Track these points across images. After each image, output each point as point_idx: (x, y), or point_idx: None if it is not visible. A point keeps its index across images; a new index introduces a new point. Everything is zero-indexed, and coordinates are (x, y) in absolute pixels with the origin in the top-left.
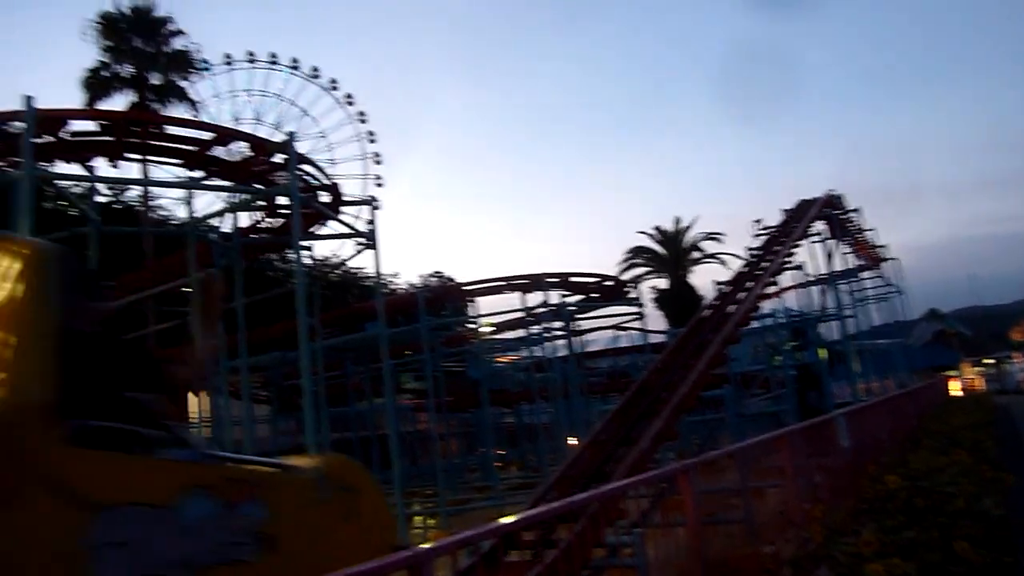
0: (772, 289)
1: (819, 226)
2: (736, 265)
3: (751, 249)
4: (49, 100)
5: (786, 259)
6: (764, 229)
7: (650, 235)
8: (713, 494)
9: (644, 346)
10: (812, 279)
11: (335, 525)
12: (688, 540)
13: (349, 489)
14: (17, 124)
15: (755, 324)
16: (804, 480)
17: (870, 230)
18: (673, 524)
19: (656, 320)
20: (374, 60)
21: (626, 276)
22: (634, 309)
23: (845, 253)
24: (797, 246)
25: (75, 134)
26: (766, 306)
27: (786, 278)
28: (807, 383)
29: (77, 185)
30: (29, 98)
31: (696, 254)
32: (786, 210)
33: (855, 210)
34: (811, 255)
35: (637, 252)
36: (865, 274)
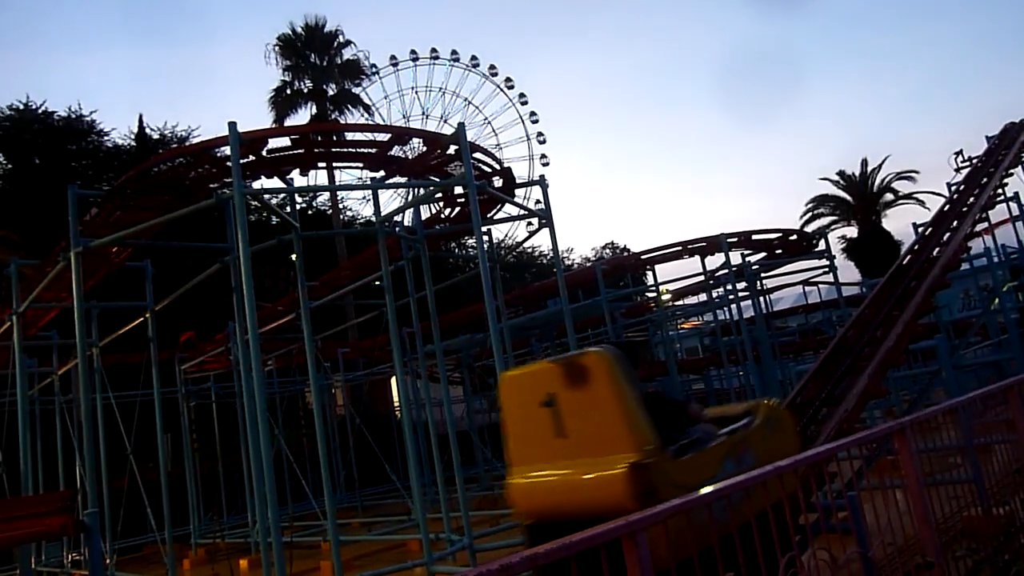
0: (982, 226)
1: None
2: (937, 204)
3: (953, 185)
4: (246, 123)
5: (997, 191)
6: (966, 161)
7: (833, 181)
8: (932, 453)
9: (836, 300)
10: None
11: (775, 442)
12: (911, 503)
13: (776, 420)
14: (223, 148)
15: (966, 266)
16: None
17: None
18: (891, 486)
19: (848, 272)
20: (520, 32)
21: (811, 228)
22: (823, 262)
23: None
24: (1009, 175)
25: (271, 151)
26: (977, 245)
27: (998, 212)
28: None
29: (275, 197)
30: (232, 124)
31: (888, 196)
32: (990, 137)
33: None
34: None
35: (821, 201)
36: None
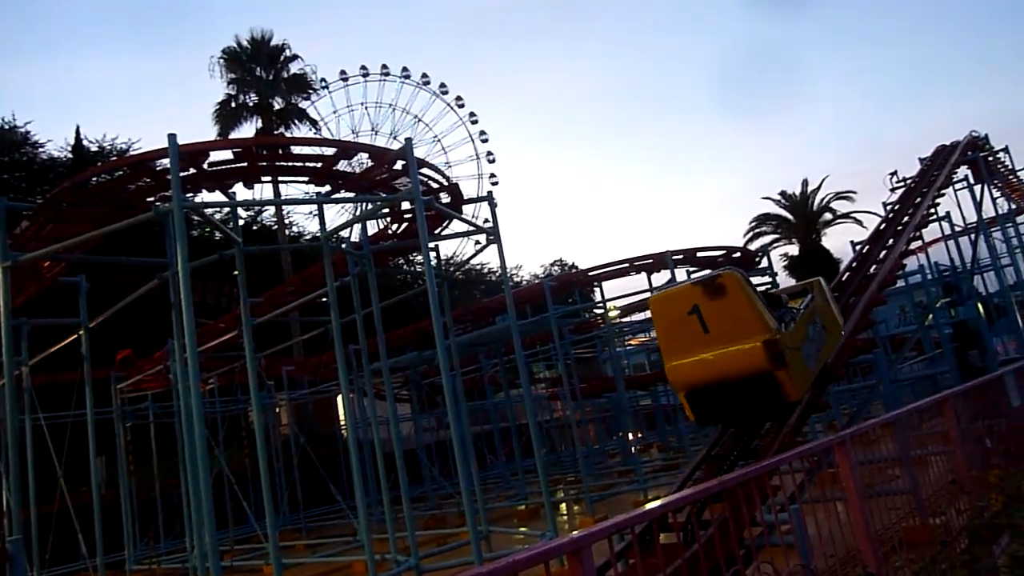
0: (916, 244)
1: (963, 171)
2: (873, 223)
3: (888, 204)
4: (189, 136)
5: (929, 210)
6: (901, 181)
7: (776, 200)
8: (871, 465)
9: None
10: (961, 229)
11: (826, 303)
12: (851, 514)
13: (822, 288)
14: (163, 161)
15: (901, 283)
16: (973, 445)
17: (1021, 169)
18: (831, 499)
19: None
20: (473, 51)
21: (754, 245)
22: (766, 279)
23: (996, 198)
24: (940, 195)
25: (212, 164)
26: (912, 263)
27: (932, 231)
28: (966, 341)
29: (218, 211)
30: (172, 135)
31: (827, 216)
32: (923, 158)
33: (1003, 149)
34: (957, 204)
35: (763, 219)
36: (1021, 218)
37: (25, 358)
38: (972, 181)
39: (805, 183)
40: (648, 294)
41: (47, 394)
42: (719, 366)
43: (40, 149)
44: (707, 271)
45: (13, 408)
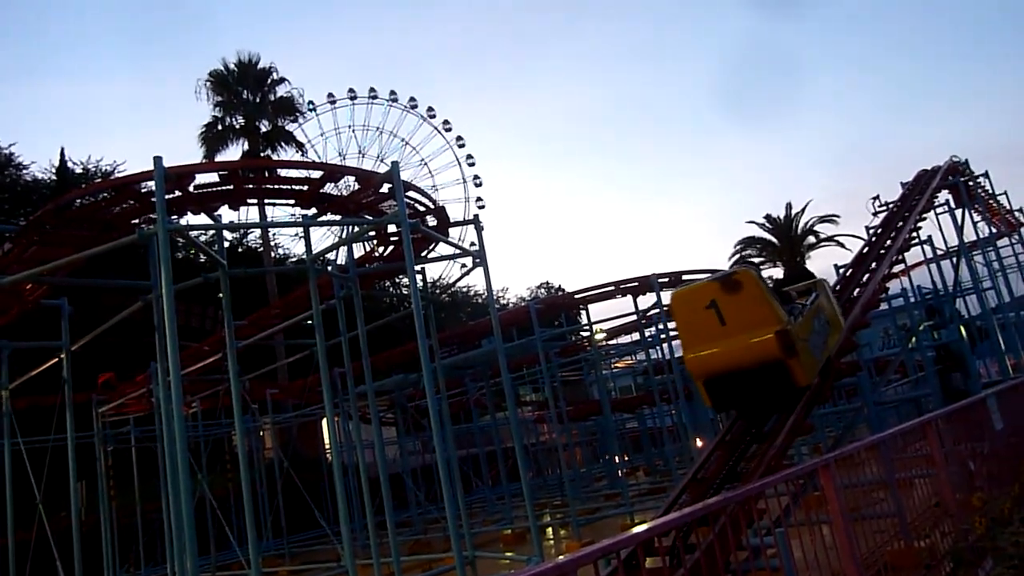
0: (899, 267)
1: (944, 196)
2: (856, 246)
3: (871, 228)
4: (175, 159)
5: (911, 234)
6: (883, 205)
7: (760, 224)
8: (856, 488)
9: None
10: (942, 253)
11: (829, 301)
12: (836, 538)
13: (826, 289)
14: (148, 183)
15: (884, 306)
16: (957, 468)
17: (1002, 194)
18: (816, 522)
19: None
20: (460, 74)
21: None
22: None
23: (976, 222)
24: (922, 219)
25: (198, 187)
26: (895, 286)
27: (914, 255)
28: (949, 364)
29: (203, 233)
30: (158, 158)
31: (811, 239)
32: (905, 183)
33: (983, 174)
34: (938, 228)
35: (748, 243)
36: (1001, 242)
37: (5, 381)
38: (953, 205)
39: (789, 207)
40: (633, 317)
41: (27, 418)
42: (735, 355)
43: (24, 171)
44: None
45: None
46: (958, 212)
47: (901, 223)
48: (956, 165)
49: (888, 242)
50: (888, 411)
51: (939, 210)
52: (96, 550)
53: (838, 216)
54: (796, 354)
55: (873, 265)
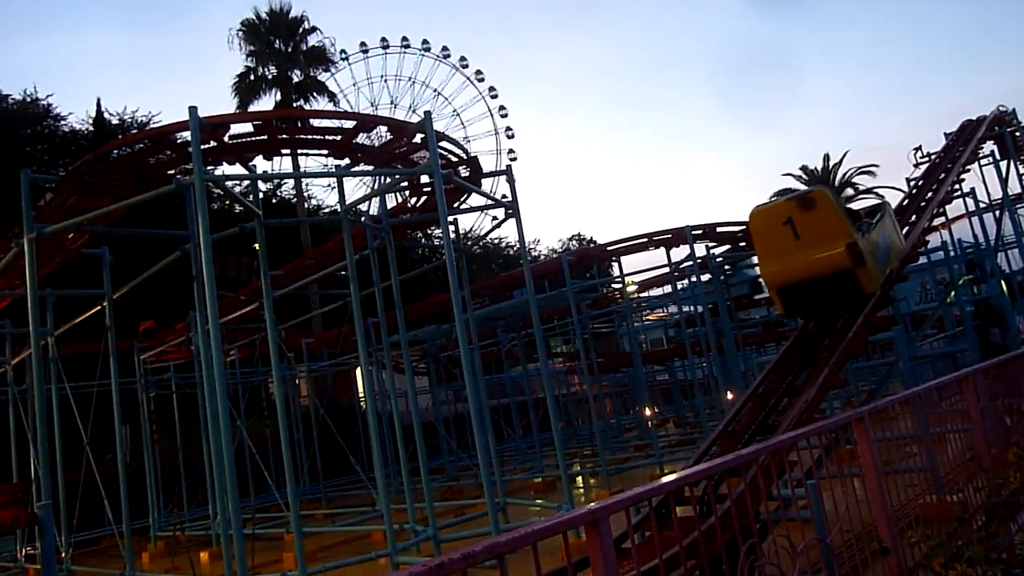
0: (939, 221)
1: (989, 147)
2: (896, 198)
3: (912, 180)
4: (208, 109)
5: (953, 186)
6: (925, 156)
7: (796, 176)
8: (889, 442)
9: None
10: (985, 206)
11: (891, 222)
12: (868, 491)
13: (889, 210)
14: (183, 133)
15: (923, 260)
16: (993, 423)
17: None
18: (848, 475)
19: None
20: (493, 23)
21: None
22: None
23: (1021, 174)
24: (965, 171)
25: (233, 137)
26: (934, 240)
27: (955, 207)
28: (988, 319)
29: (238, 184)
30: (193, 108)
31: (849, 191)
32: (948, 133)
33: None
34: (982, 180)
35: (784, 195)
36: None
37: (50, 329)
38: (998, 157)
39: (827, 158)
40: (666, 269)
41: (72, 364)
42: (809, 266)
43: (62, 122)
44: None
45: (40, 378)
46: (1003, 164)
47: (943, 175)
48: (1003, 115)
49: (929, 194)
50: (923, 366)
51: (983, 162)
52: (141, 491)
53: (877, 167)
54: (864, 264)
55: (913, 218)
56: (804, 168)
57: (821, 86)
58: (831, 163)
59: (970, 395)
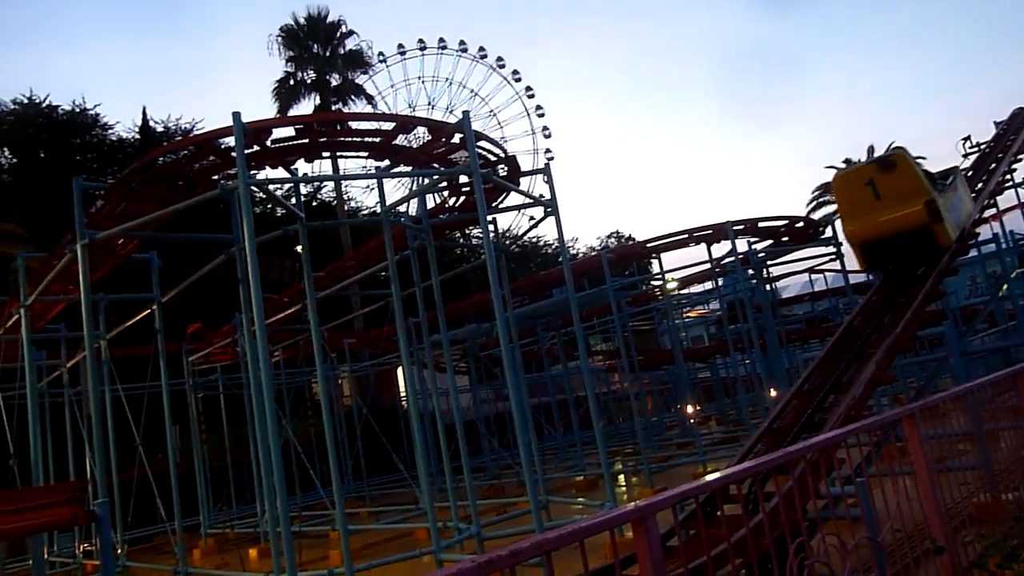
0: (991, 212)
1: None
2: None
3: (961, 171)
4: (249, 115)
5: (1005, 176)
6: (974, 146)
7: (839, 169)
8: (940, 439)
9: (843, 288)
10: None
11: (962, 187)
12: (919, 488)
13: (961, 176)
14: (227, 139)
15: (973, 253)
16: None
17: None
18: (899, 472)
19: (854, 259)
20: (529, 21)
21: (817, 215)
22: (829, 249)
23: None
24: (1017, 160)
25: (275, 141)
26: (985, 232)
27: (1007, 198)
28: None
29: (280, 187)
30: (236, 114)
31: None
32: (999, 122)
33: None
34: None
35: (827, 188)
36: None
37: (103, 332)
38: None
39: (871, 149)
40: (707, 266)
41: (124, 366)
42: (889, 223)
43: (109, 131)
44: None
45: (95, 379)
46: None
47: (994, 164)
48: None
49: (979, 185)
50: (975, 362)
51: None
52: (191, 490)
53: (924, 158)
54: (941, 220)
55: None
56: (847, 161)
57: (869, 75)
58: (875, 155)
59: None
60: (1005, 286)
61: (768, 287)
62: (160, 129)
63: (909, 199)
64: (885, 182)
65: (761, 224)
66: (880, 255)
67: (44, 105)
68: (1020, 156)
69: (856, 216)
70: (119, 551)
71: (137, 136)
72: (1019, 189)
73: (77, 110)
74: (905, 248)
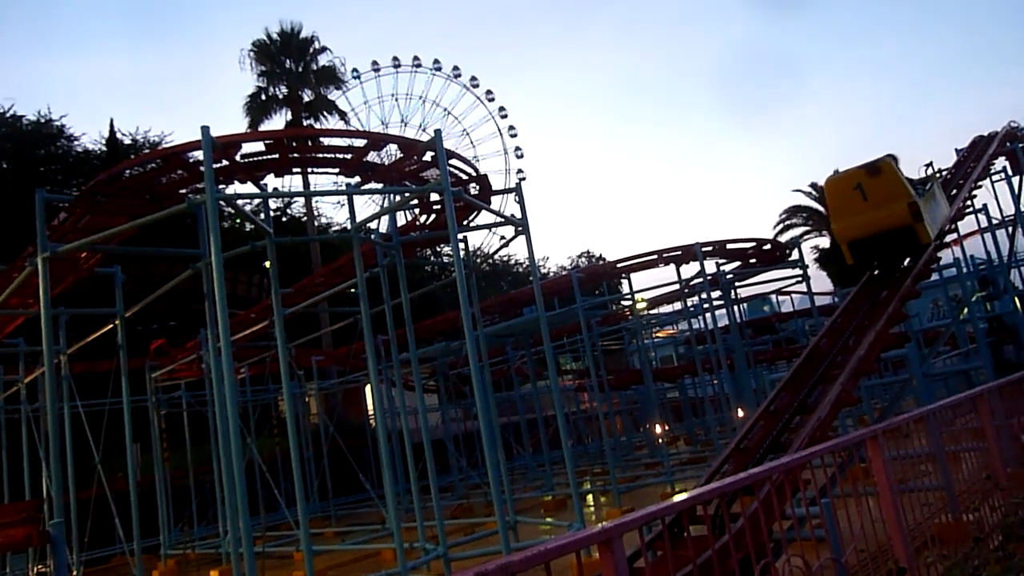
0: (952, 237)
1: (1001, 163)
2: None
3: None
4: (220, 129)
5: (965, 202)
6: (936, 173)
7: (806, 192)
8: (903, 460)
9: (809, 309)
10: (998, 222)
11: (938, 194)
12: (883, 509)
13: (937, 184)
14: (195, 153)
15: (935, 276)
16: (1008, 441)
17: None
18: (863, 493)
19: (820, 281)
20: (501, 42)
21: (784, 238)
22: (796, 271)
23: None
24: (977, 187)
25: (244, 156)
26: (946, 256)
27: (967, 224)
28: (1002, 336)
29: (249, 202)
30: (205, 128)
31: None
32: (960, 149)
33: None
34: (994, 196)
35: (794, 211)
36: None
37: (64, 347)
38: (1010, 172)
39: (836, 172)
40: (676, 286)
41: (85, 382)
42: (875, 222)
43: (75, 142)
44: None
45: (53, 396)
46: (1015, 180)
47: (955, 191)
48: (1015, 131)
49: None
50: (937, 383)
51: (995, 178)
52: (152, 509)
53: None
54: (922, 220)
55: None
56: (813, 185)
57: (829, 102)
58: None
59: (985, 413)
60: (966, 309)
61: (736, 308)
62: (128, 142)
63: (893, 201)
64: (872, 185)
65: (730, 246)
66: (866, 251)
67: (8, 115)
68: (979, 183)
69: (845, 216)
70: (75, 573)
71: (104, 148)
72: (979, 215)
73: (42, 120)
74: (889, 245)
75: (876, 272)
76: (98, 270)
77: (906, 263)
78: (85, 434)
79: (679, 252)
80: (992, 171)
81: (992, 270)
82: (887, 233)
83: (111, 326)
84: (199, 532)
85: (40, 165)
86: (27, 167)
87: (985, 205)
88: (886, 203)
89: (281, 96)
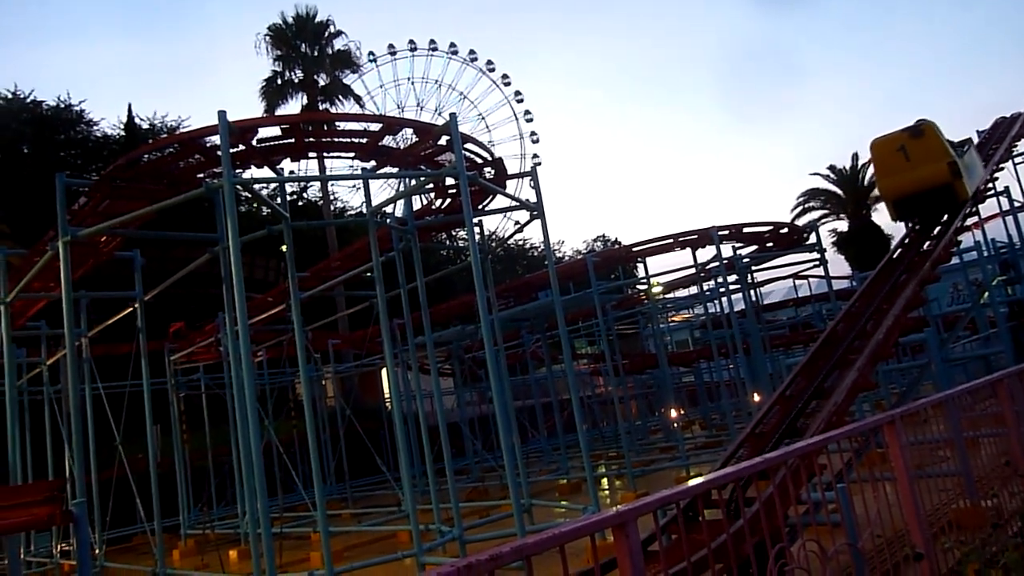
0: (972, 220)
1: (1023, 145)
2: None
3: None
4: (236, 114)
5: (987, 185)
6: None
7: (824, 175)
8: (921, 446)
9: (827, 294)
10: (1020, 204)
11: (974, 156)
12: (900, 495)
13: (973, 146)
14: (212, 138)
15: (955, 260)
16: None
17: None
18: (879, 479)
19: (838, 265)
20: (519, 25)
21: (801, 221)
22: (813, 255)
23: None
24: (999, 169)
25: (261, 140)
26: (967, 239)
27: (988, 207)
28: (1022, 321)
29: (266, 186)
30: (222, 112)
31: (877, 191)
32: (981, 131)
33: None
34: (1015, 178)
35: (812, 195)
36: None
37: (84, 330)
38: None
39: (855, 157)
40: (692, 270)
41: (105, 365)
42: (917, 181)
43: (94, 127)
44: (904, 127)
45: (75, 378)
46: None
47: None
48: None
49: None
50: (956, 369)
51: (1017, 160)
52: (172, 490)
53: None
54: (960, 177)
55: (945, 216)
56: (832, 168)
57: (845, 86)
58: (860, 162)
59: (1005, 398)
60: (986, 293)
61: (752, 292)
62: (145, 126)
63: (935, 160)
64: (914, 147)
65: (746, 229)
66: (909, 208)
67: (29, 100)
68: (1001, 166)
69: (889, 175)
70: (97, 551)
71: (122, 133)
72: (1000, 197)
73: (62, 106)
74: (930, 201)
75: (917, 227)
76: (118, 254)
77: (944, 218)
78: (106, 415)
79: (695, 236)
80: (1014, 153)
81: (1014, 254)
82: (929, 190)
83: (131, 309)
84: (218, 512)
85: (60, 150)
86: (47, 152)
87: (1007, 187)
88: (927, 162)
89: (297, 80)
